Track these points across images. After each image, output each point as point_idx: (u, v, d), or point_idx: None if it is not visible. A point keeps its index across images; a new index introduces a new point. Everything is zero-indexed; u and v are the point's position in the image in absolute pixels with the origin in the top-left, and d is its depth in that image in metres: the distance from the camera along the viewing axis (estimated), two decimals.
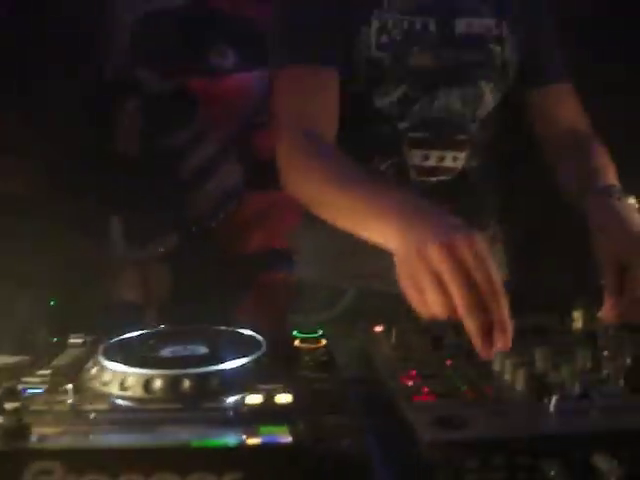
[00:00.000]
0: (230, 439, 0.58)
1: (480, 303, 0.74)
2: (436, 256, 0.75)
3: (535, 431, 0.65)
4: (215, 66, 1.94)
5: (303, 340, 0.87)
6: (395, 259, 0.83)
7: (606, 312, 0.92)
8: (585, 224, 1.04)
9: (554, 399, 0.68)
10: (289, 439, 0.58)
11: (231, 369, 0.72)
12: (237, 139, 1.90)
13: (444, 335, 0.89)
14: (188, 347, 0.80)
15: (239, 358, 0.74)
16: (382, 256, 1.17)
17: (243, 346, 0.80)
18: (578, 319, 0.94)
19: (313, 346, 0.85)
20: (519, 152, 1.37)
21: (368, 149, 1.21)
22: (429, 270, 0.76)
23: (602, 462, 0.62)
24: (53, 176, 1.60)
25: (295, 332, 0.90)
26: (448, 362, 0.82)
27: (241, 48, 1.95)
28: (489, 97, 1.23)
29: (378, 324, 0.94)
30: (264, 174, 1.42)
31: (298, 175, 1.06)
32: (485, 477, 0.62)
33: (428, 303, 0.77)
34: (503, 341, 0.76)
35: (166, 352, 0.79)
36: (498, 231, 1.36)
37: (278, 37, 1.17)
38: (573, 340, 0.87)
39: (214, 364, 0.72)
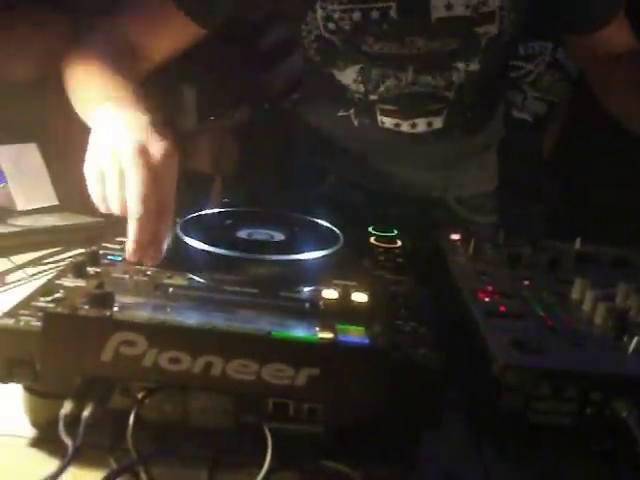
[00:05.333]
0: (309, 333, 0.58)
1: (151, 210, 0.69)
2: (126, 152, 0.71)
3: (612, 369, 0.63)
4: None
5: (378, 238, 0.86)
6: (90, 144, 0.78)
7: None
8: None
9: (635, 340, 0.66)
10: (367, 342, 0.58)
11: (310, 260, 0.72)
12: None
13: (522, 253, 0.87)
14: (265, 232, 0.80)
15: (318, 250, 0.73)
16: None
17: (320, 237, 0.79)
18: None
19: (389, 245, 0.84)
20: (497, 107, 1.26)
21: (341, 104, 1.16)
22: (116, 164, 0.72)
23: None
24: None
25: (371, 228, 0.89)
26: (525, 282, 0.80)
27: None
28: (469, 64, 1.09)
29: (453, 232, 0.92)
30: None
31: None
32: (554, 407, 0.62)
33: (105, 195, 0.73)
34: (155, 254, 0.70)
35: (243, 234, 0.79)
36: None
37: None
38: None
39: (293, 253, 0.72)
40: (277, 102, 1.94)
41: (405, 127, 1.14)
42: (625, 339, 0.67)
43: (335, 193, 1.26)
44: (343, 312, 0.64)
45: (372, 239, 0.85)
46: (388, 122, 1.14)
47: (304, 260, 0.71)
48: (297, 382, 0.54)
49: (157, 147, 0.72)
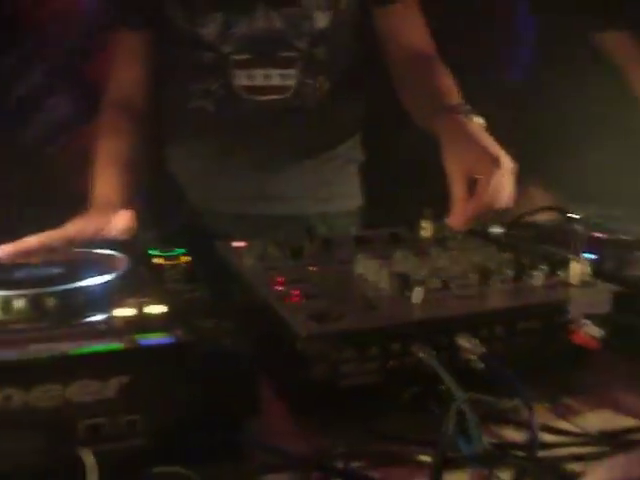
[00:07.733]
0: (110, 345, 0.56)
1: None
2: None
3: (402, 319, 0.68)
4: None
5: (163, 257, 0.85)
6: None
7: (454, 219, 0.97)
8: (428, 140, 1.08)
9: (416, 290, 0.71)
10: (171, 340, 0.58)
11: (97, 285, 0.69)
12: (66, 68, 1.78)
13: (303, 245, 0.91)
14: (44, 268, 0.76)
15: (102, 275, 0.71)
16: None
17: (102, 264, 0.77)
18: (427, 228, 0.98)
19: (175, 262, 0.83)
20: (360, 69, 1.36)
21: (198, 74, 1.24)
22: None
23: (465, 342, 0.67)
24: None
25: (151, 251, 0.88)
26: (312, 268, 0.84)
27: None
28: (319, 15, 1.21)
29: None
30: (97, 105, 1.35)
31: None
32: (361, 367, 0.65)
33: None
34: None
35: (21, 274, 0.74)
36: (351, 151, 1.40)
37: None
38: (426, 244, 0.92)
39: (76, 281, 0.69)
40: (32, 157, 1.86)
41: (260, 79, 1.19)
42: (408, 293, 0.72)
43: (194, 223, 1.28)
44: (141, 325, 0.63)
45: (157, 259, 0.84)
46: (243, 76, 1.20)
47: (90, 286, 0.69)
48: (107, 394, 0.52)
49: None
